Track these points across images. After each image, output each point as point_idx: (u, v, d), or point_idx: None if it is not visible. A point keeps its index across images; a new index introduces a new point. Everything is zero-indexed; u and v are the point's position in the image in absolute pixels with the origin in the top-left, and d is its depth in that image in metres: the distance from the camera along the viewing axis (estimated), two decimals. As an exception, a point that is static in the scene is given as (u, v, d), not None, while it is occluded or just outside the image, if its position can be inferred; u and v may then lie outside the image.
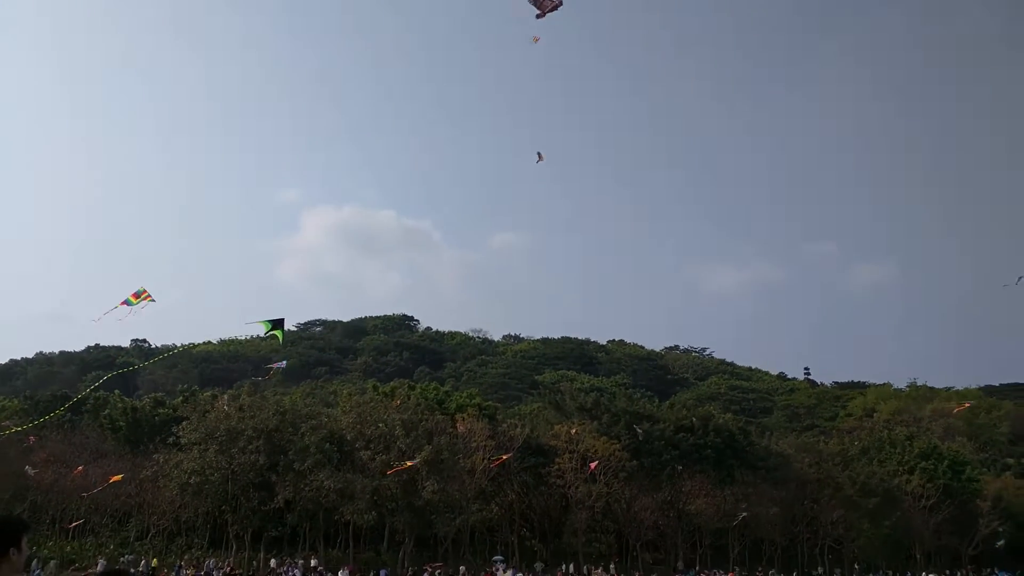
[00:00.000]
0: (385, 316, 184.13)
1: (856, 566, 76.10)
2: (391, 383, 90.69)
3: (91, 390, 76.01)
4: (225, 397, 68.37)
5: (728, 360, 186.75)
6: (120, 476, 56.09)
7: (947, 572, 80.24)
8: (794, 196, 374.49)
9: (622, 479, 68.50)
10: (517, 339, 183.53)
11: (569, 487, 67.21)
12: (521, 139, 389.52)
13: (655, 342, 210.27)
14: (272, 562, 55.41)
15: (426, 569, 54.41)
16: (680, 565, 70.57)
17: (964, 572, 78.95)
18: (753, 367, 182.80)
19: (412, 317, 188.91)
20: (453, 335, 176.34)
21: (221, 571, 50.68)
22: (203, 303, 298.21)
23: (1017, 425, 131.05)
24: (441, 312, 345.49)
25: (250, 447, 58.04)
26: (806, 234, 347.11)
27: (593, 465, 64.78)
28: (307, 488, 56.60)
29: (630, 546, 71.06)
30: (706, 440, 77.74)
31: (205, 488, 57.19)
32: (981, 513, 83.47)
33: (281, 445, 59.99)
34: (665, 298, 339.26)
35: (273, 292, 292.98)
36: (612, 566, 66.07)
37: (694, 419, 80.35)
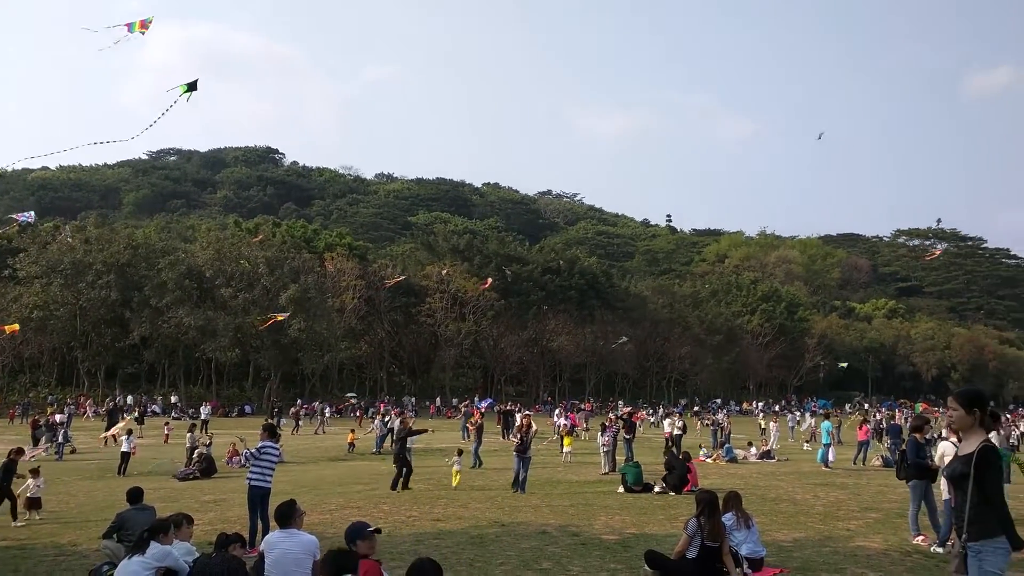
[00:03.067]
0: (247, 147, 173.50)
1: (696, 397, 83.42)
2: (254, 219, 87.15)
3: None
4: (68, 228, 63.55)
5: (597, 206, 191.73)
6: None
7: (770, 401, 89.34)
8: (673, 46, 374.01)
9: (490, 318, 70.55)
10: (390, 178, 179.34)
11: (439, 326, 68.67)
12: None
13: (529, 187, 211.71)
14: (129, 399, 54.04)
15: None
16: (546, 396, 74.83)
17: (787, 398, 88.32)
18: (620, 213, 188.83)
19: (277, 150, 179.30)
20: (322, 171, 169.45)
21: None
22: (38, 126, 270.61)
23: (846, 271, 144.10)
24: (309, 147, 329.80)
25: (100, 282, 54.93)
26: (685, 85, 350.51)
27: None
28: (165, 325, 54.73)
29: (495, 380, 74.47)
30: (571, 282, 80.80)
31: (49, 324, 54.19)
32: (807, 349, 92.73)
33: (135, 281, 57.07)
34: (543, 143, 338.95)
35: (118, 116, 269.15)
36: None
37: (561, 262, 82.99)
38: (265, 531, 9.78)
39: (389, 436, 26.56)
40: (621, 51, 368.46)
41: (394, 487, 16.79)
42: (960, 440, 5.25)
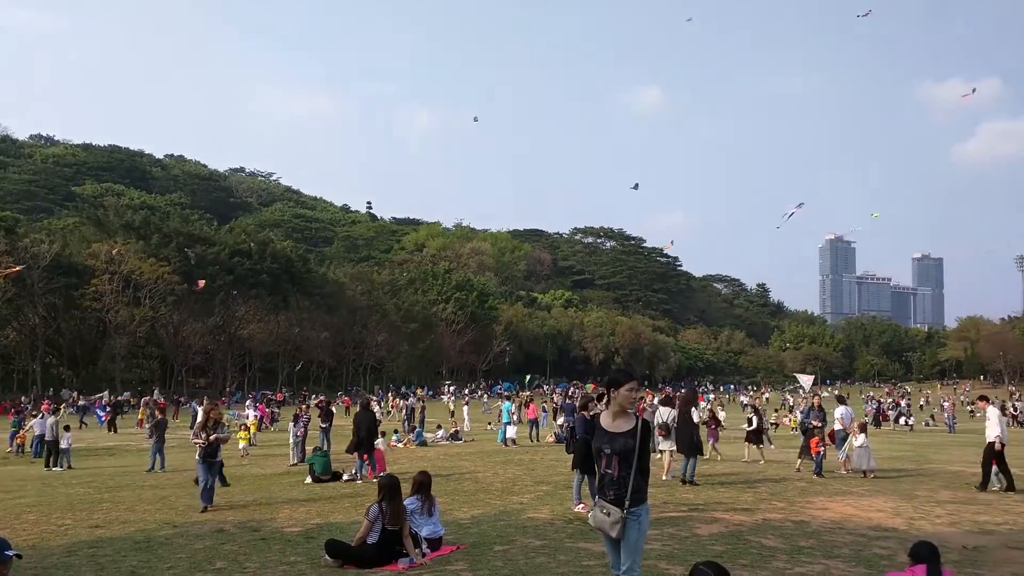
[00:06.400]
0: None
1: (392, 383, 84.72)
2: None
3: None
4: None
5: (295, 188, 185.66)
6: None
7: (460, 384, 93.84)
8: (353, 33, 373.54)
9: (170, 303, 64.70)
10: (50, 141, 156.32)
11: (108, 311, 61.33)
12: None
13: (220, 162, 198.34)
14: None
15: None
16: (232, 388, 70.59)
17: (477, 383, 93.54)
18: (319, 197, 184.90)
19: None
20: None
21: None
22: None
23: (531, 264, 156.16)
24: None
25: None
26: (367, 73, 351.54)
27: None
28: None
29: (175, 371, 68.67)
30: (263, 266, 77.18)
31: None
32: (495, 335, 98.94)
33: None
34: (232, 117, 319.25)
35: None
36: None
37: (252, 244, 78.84)
38: None
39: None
40: (314, 30, 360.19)
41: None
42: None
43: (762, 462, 18.83)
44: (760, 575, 7.66)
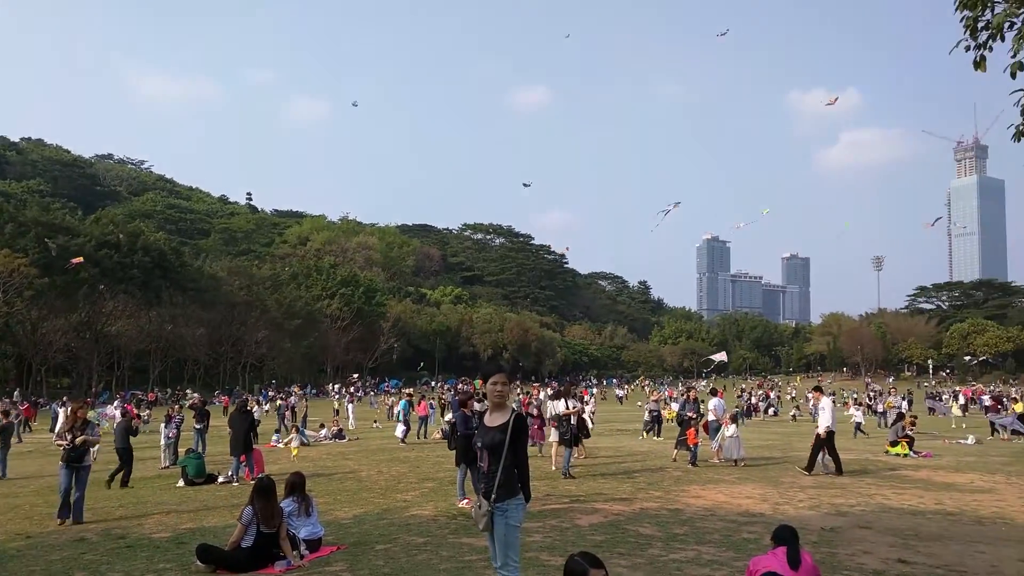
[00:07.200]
0: None
1: (274, 380, 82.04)
2: None
3: None
4: None
5: (168, 177, 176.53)
6: None
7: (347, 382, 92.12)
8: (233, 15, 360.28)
9: (28, 298, 60.00)
10: None
11: (-46, 306, 56.40)
12: None
13: (85, 147, 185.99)
14: None
15: None
16: (99, 387, 66.42)
17: (364, 379, 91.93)
18: (195, 187, 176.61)
19: None
20: None
21: None
22: None
23: (420, 259, 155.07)
24: None
25: None
26: (248, 59, 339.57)
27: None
28: None
29: (34, 370, 63.96)
30: (134, 259, 72.99)
31: None
32: (383, 332, 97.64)
33: None
34: (97, 98, 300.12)
35: None
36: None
37: (121, 236, 74.33)
38: None
39: None
40: (193, 7, 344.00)
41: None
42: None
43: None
44: (636, 563, 7.89)
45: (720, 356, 54.81)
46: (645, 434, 26.78)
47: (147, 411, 37.72)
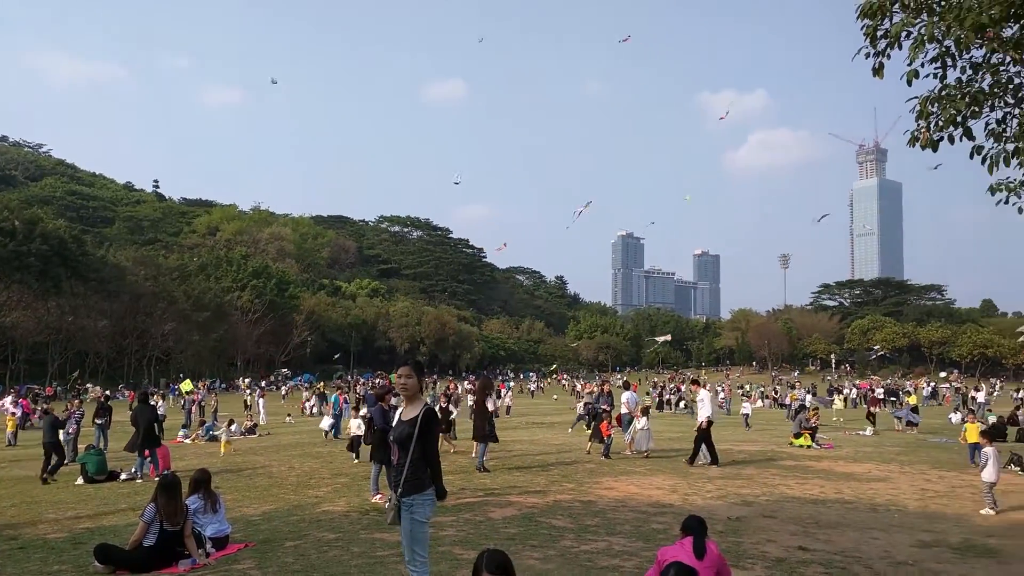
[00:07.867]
0: None
1: (181, 375, 79.03)
2: None
3: None
4: None
5: (69, 162, 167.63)
6: None
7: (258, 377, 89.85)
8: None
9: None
10: None
11: None
12: None
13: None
14: None
15: None
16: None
17: (276, 375, 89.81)
18: (99, 173, 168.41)
19: None
20: None
21: None
22: None
23: (335, 251, 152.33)
24: None
25: None
26: (162, 43, 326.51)
27: None
28: None
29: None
30: (31, 247, 69.04)
31: None
32: (296, 325, 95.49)
33: None
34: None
35: None
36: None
37: (17, 222, 70.20)
38: None
39: None
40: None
41: None
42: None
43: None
44: (548, 555, 8.00)
45: (665, 337, 56.05)
46: (572, 428, 27.00)
47: (44, 405, 35.82)
